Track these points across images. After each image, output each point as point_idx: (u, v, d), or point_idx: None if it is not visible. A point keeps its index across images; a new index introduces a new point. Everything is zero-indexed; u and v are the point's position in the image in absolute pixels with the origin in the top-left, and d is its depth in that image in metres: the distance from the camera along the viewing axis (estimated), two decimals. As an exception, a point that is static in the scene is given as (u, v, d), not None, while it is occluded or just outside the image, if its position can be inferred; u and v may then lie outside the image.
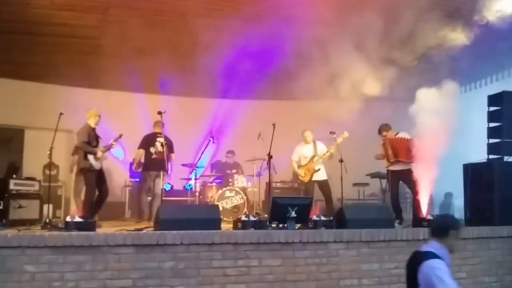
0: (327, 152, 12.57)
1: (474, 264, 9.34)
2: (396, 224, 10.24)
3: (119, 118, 15.80)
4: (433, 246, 5.24)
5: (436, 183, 15.10)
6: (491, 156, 10.86)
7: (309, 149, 12.80)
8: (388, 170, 12.06)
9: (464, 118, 13.46)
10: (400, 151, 11.70)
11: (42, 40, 12.79)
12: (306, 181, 12.68)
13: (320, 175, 12.64)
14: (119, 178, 16.19)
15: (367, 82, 12.92)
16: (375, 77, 12.10)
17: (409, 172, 11.59)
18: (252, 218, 8.94)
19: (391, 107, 12.03)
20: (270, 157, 11.40)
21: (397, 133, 12.01)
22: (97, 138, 11.38)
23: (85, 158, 10.99)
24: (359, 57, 12.15)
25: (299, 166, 12.92)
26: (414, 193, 11.60)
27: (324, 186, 12.62)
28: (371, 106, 15.57)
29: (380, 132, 12.21)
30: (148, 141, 12.78)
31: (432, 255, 5.10)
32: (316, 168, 12.59)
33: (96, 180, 11.12)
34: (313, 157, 12.72)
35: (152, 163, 12.55)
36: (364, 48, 11.95)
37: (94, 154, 11.06)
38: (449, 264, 5.13)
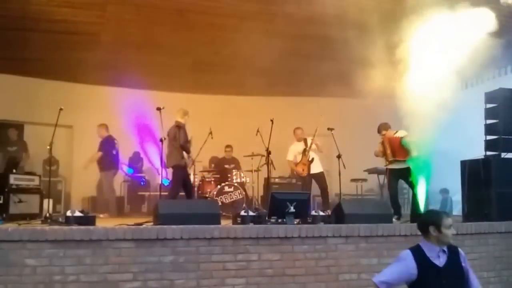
0: (311, 143, 12.76)
1: (473, 259, 9.31)
2: (394, 220, 10.29)
3: (117, 114, 15.87)
4: (422, 242, 5.44)
5: (434, 179, 15.23)
6: (488, 153, 10.91)
7: (301, 145, 12.95)
8: (387, 169, 12.09)
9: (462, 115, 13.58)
10: (398, 150, 11.71)
11: (42, 36, 12.79)
12: (305, 175, 12.73)
13: (315, 168, 12.66)
14: (118, 174, 16.22)
15: (366, 79, 12.98)
16: (373, 74, 12.14)
17: (408, 170, 11.64)
18: (251, 213, 9.01)
19: (389, 104, 12.06)
20: (268, 152, 11.46)
21: (396, 132, 12.02)
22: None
23: (180, 155, 11.47)
24: (357, 54, 12.20)
25: (296, 164, 12.97)
26: (413, 190, 11.67)
27: (319, 178, 12.69)
28: (369, 102, 15.65)
29: (379, 131, 12.19)
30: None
31: (412, 247, 5.46)
32: (310, 158, 12.65)
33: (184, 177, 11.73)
34: (304, 150, 12.76)
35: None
36: (363, 45, 12.00)
37: (188, 152, 11.67)
38: (437, 257, 5.34)
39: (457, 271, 5.41)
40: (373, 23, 11.28)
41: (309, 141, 12.77)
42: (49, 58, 14.11)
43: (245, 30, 12.31)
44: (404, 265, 5.31)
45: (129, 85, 16.44)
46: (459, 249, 5.55)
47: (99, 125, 13.65)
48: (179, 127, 11.67)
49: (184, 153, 11.67)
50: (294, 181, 15.09)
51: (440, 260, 5.33)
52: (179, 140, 11.40)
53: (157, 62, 14.21)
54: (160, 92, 16.48)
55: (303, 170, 12.70)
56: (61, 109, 10.34)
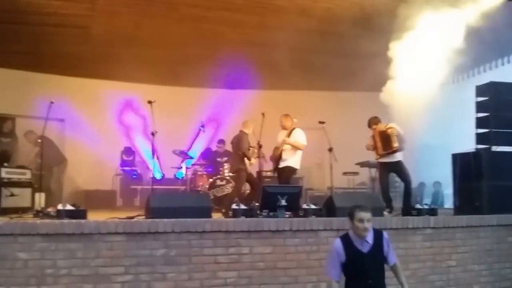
0: (282, 142, 12.23)
1: (464, 252, 9.44)
2: (385, 213, 10.31)
3: (110, 108, 15.85)
4: (350, 230, 6.13)
5: (427, 172, 15.28)
6: (479, 146, 10.94)
7: (282, 135, 12.36)
8: (378, 162, 12.11)
9: (453, 108, 13.62)
10: (388, 143, 11.71)
11: (32, 29, 12.73)
12: (274, 168, 12.54)
13: (284, 162, 12.20)
14: (111, 167, 16.23)
15: (358, 72, 12.98)
16: (364, 68, 12.17)
17: (399, 163, 11.66)
18: (242, 207, 8.99)
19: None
20: (260, 146, 11.45)
21: (387, 125, 12.00)
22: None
23: (242, 161, 12.14)
24: (349, 48, 12.21)
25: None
26: (405, 183, 11.70)
27: (282, 173, 12.22)
28: (360, 95, 15.67)
29: (369, 125, 12.15)
30: None
31: (342, 235, 6.22)
32: (283, 156, 12.20)
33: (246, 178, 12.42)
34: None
35: None
36: (354, 39, 12.02)
37: (250, 159, 12.21)
38: (362, 244, 6.01)
39: (379, 254, 6.08)
40: (364, 17, 11.31)
41: (294, 133, 12.35)
42: (40, 51, 14.07)
43: (236, 23, 12.33)
44: (336, 254, 6.00)
45: (120, 78, 16.42)
46: (384, 233, 6.24)
47: (29, 132, 13.41)
48: (242, 136, 12.28)
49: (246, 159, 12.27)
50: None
51: (364, 247, 5.99)
52: (241, 148, 12.11)
53: (148, 55, 14.17)
54: (151, 86, 16.45)
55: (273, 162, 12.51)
56: (52, 102, 10.33)
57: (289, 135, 12.20)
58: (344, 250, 5.91)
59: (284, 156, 12.17)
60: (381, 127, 11.93)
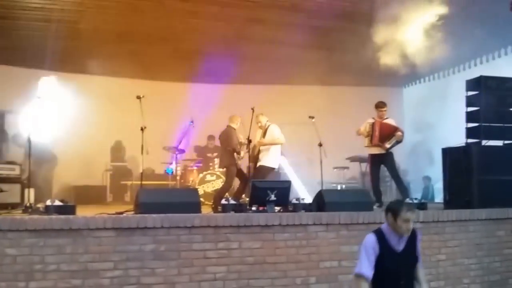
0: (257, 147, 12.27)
1: (453, 246, 9.44)
2: (375, 207, 10.31)
3: (99, 103, 15.79)
4: (384, 225, 5.71)
5: (418, 167, 15.31)
6: (469, 140, 10.93)
7: (258, 134, 12.43)
8: (369, 154, 12.11)
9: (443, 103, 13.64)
10: (386, 136, 11.72)
11: (20, 24, 12.69)
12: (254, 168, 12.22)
13: (259, 163, 12.23)
14: (100, 162, 16.19)
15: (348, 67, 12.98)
16: (354, 62, 12.16)
17: (390, 155, 11.67)
18: (232, 202, 9.00)
19: (373, 92, 12.06)
20: (249, 141, 11.43)
21: (387, 118, 12.02)
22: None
23: (232, 156, 11.97)
24: (338, 42, 12.19)
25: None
26: (393, 176, 11.72)
27: (257, 173, 12.07)
28: (351, 90, 15.66)
29: (377, 106, 12.06)
30: None
31: (376, 231, 5.70)
32: (260, 156, 12.21)
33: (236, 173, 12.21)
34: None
35: None
36: (343, 33, 12.01)
37: (239, 154, 12.09)
38: (398, 242, 5.63)
39: (413, 252, 5.78)
40: (354, 12, 11.30)
41: (268, 131, 12.27)
42: (28, 47, 14.02)
43: (226, 18, 12.30)
44: (372, 249, 5.54)
45: (109, 74, 16.37)
46: (417, 231, 5.85)
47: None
48: (230, 131, 12.19)
49: (235, 154, 12.08)
50: (276, 169, 15.03)
51: (399, 246, 5.62)
52: (231, 144, 12.00)
53: (138, 50, 14.15)
54: (140, 80, 16.43)
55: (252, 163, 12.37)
56: (38, 97, 10.29)
57: (264, 133, 12.22)
58: (378, 246, 5.56)
59: (260, 156, 12.19)
60: (384, 114, 11.90)
